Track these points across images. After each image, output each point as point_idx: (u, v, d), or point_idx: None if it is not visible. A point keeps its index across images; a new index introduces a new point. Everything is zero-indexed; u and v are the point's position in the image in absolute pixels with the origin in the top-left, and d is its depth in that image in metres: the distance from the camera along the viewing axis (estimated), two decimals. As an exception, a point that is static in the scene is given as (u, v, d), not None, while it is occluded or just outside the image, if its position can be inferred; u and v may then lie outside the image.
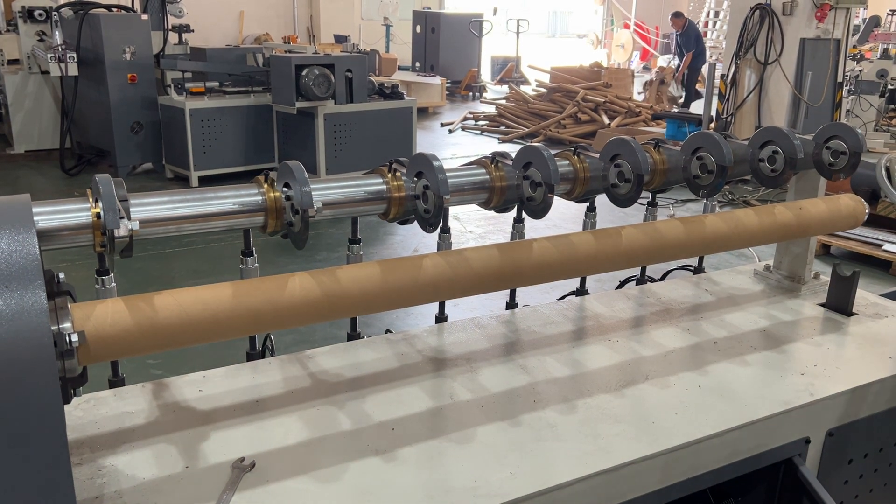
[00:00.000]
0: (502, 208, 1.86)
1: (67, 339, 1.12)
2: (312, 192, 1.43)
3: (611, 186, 1.84)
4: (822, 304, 2.36)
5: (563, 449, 1.55)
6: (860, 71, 10.60)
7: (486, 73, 18.53)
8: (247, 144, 7.99)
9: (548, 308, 2.28)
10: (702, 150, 1.90)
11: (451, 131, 12.24)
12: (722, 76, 8.52)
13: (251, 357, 1.94)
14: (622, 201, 1.83)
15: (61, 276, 1.24)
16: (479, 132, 12.21)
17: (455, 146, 11.01)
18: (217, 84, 7.94)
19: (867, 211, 2.20)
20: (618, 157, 1.82)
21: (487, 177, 1.78)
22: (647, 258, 1.87)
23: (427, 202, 1.58)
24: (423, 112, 13.90)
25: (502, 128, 12.15)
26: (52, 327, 1.12)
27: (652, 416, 1.69)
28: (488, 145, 11.22)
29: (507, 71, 17.92)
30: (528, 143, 1.72)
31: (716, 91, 8.62)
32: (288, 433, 1.57)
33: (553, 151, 1.92)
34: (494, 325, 2.14)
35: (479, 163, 1.84)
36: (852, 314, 2.29)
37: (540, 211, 1.72)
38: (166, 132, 8.00)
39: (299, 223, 1.43)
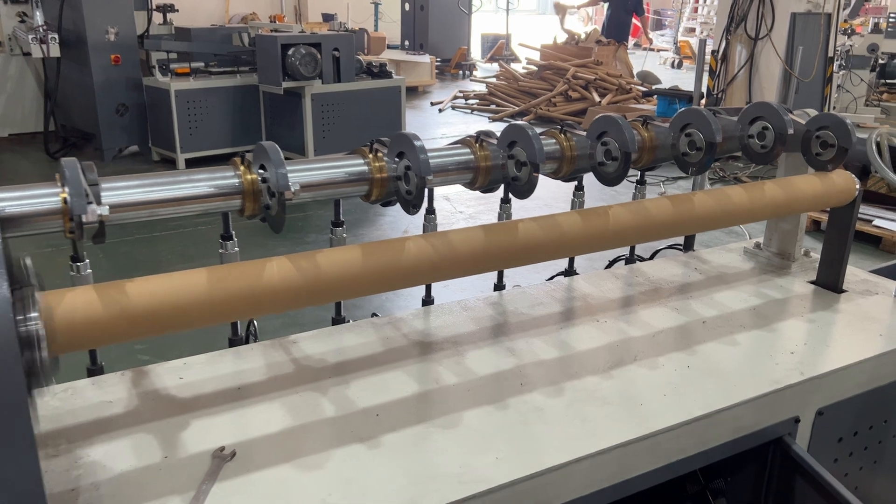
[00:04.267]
0: (488, 188, 1.82)
1: (33, 328, 1.08)
2: (289, 174, 1.39)
3: (598, 165, 1.80)
4: (813, 282, 2.34)
5: (550, 432, 1.52)
6: (851, 45, 10.56)
7: (476, 52, 18.36)
8: (234, 125, 7.90)
9: (536, 289, 2.25)
10: (690, 126, 1.87)
11: (440, 110, 12.15)
12: (713, 52, 8.46)
13: (234, 343, 1.90)
14: (610, 180, 1.80)
15: (28, 262, 1.20)
16: (469, 111, 12.12)
17: (445, 125, 10.93)
18: (202, 65, 7.82)
19: (858, 187, 2.17)
20: (605, 135, 1.78)
21: (472, 156, 1.74)
22: (635, 237, 1.84)
23: (409, 183, 1.54)
24: (413, 91, 13.78)
25: (493, 106, 12.06)
26: (19, 317, 1.08)
27: (640, 397, 1.67)
28: (479, 124, 11.14)
29: (498, 49, 17.77)
30: (513, 122, 1.68)
31: (706, 67, 8.56)
32: (270, 421, 1.54)
33: (539, 130, 1.88)
34: (482, 308, 2.11)
35: (463, 142, 1.80)
36: (843, 291, 2.27)
37: (525, 191, 1.68)
38: (152, 114, 7.89)
39: (276, 206, 1.39)
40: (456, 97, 12.83)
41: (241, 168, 1.47)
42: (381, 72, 8.07)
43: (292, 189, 1.39)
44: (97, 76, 7.60)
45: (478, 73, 16.24)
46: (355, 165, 1.60)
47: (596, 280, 2.33)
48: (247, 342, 1.95)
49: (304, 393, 1.64)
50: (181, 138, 7.56)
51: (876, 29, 11.22)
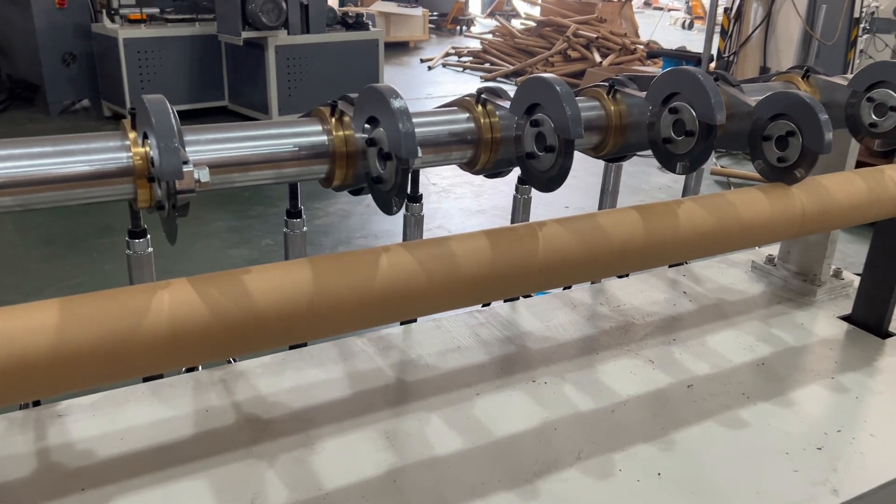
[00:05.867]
0: (355, 189, 1.16)
1: None
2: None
3: (526, 157, 1.13)
4: (846, 318, 1.68)
5: None
6: (876, 7, 9.69)
7: (475, 6, 17.41)
8: (192, 80, 7.15)
9: (455, 323, 1.59)
10: (677, 98, 1.18)
11: (430, 68, 11.33)
12: (725, 10, 7.64)
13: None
14: (543, 182, 1.12)
15: None
16: (461, 69, 11.30)
17: (433, 84, 10.14)
18: (157, 11, 7.05)
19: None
20: (537, 110, 1.10)
21: (325, 138, 1.08)
22: (580, 273, 1.17)
23: (162, 190, 0.87)
24: (404, 46, 12.95)
25: (487, 65, 11.24)
26: None
27: (575, 539, 1.03)
28: (471, 84, 10.35)
29: (498, 4, 16.82)
30: (373, 85, 1.00)
31: (718, 27, 7.75)
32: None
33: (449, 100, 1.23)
34: (368, 355, 1.46)
35: (318, 114, 1.13)
36: (889, 335, 1.62)
37: (392, 199, 1.01)
38: (101, 65, 7.13)
39: None
40: (448, 54, 12.00)
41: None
42: (356, 23, 7.29)
43: None
44: (39, 21, 6.82)
45: (476, 29, 15.32)
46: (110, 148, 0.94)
47: (544, 309, 1.67)
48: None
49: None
50: (131, 92, 6.81)
51: (904, -11, 10.31)
